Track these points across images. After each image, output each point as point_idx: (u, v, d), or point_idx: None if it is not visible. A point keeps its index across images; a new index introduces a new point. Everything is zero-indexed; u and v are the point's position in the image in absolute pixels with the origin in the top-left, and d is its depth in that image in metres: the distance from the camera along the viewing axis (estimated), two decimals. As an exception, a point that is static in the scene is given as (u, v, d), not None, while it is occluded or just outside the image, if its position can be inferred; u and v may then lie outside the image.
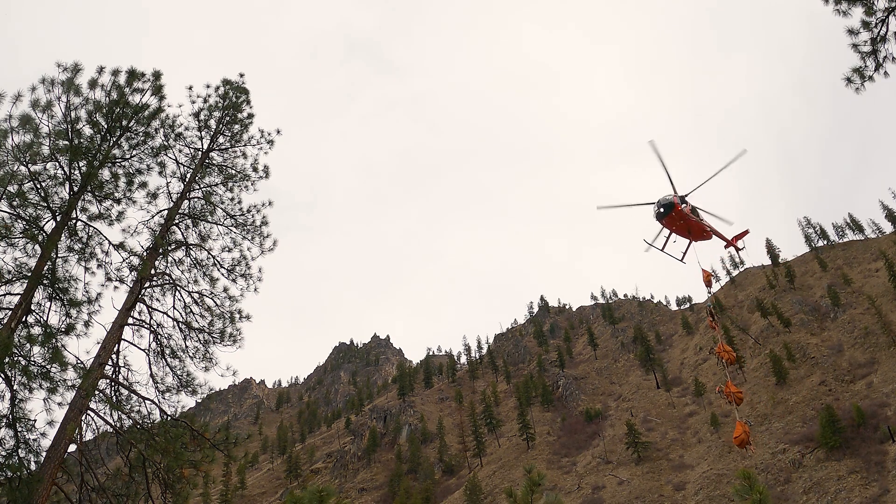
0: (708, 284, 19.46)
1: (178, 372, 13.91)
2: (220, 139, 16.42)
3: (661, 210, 20.36)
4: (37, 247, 11.89)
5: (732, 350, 17.97)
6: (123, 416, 12.69)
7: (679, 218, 20.53)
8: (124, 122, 13.59)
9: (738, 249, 24.77)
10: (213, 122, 16.27)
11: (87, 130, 13.08)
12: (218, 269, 15.33)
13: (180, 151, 15.58)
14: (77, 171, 12.57)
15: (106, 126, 13.31)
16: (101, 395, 12.43)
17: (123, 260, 13.50)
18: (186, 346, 14.23)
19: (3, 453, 10.61)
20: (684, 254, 22.41)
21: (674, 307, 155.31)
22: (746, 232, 24.91)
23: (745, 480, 7.37)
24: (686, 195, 21.13)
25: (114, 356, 12.88)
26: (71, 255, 12.54)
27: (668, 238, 21.75)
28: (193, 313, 14.60)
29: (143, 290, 13.80)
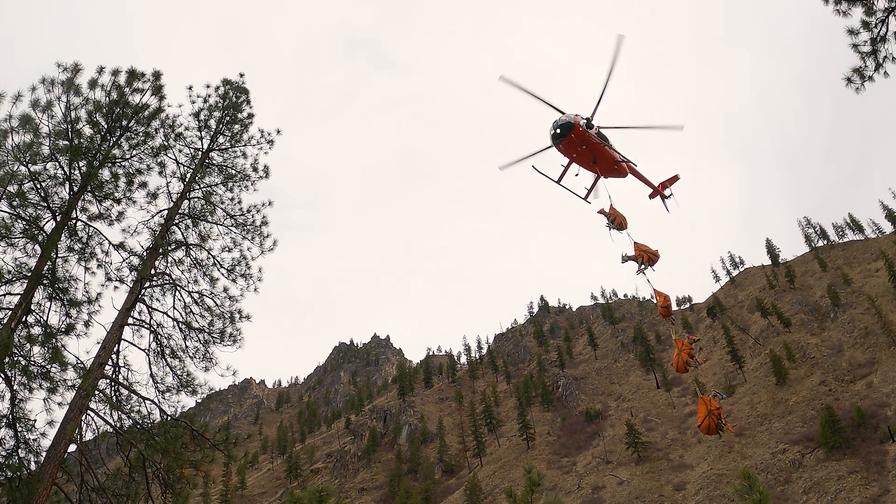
0: (619, 226, 16.28)
1: (178, 372, 13.93)
2: (221, 139, 16.43)
3: (558, 131, 16.53)
4: (37, 247, 11.89)
5: (651, 249, 15.51)
6: (123, 416, 12.70)
7: (580, 141, 16.67)
8: (124, 122, 13.59)
9: (664, 198, 21.27)
10: (213, 122, 16.29)
11: (87, 130, 13.10)
12: (218, 269, 15.34)
13: (180, 151, 15.60)
14: (77, 171, 12.58)
15: (106, 126, 13.31)
16: (101, 395, 12.44)
17: (123, 260, 13.51)
18: (186, 346, 14.25)
19: (3, 453, 10.62)
20: (589, 191, 18.52)
21: (674, 307, 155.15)
22: (676, 178, 21.48)
23: (745, 480, 7.38)
24: (601, 128, 17.52)
25: (114, 356, 12.89)
26: (71, 255, 12.55)
27: (566, 168, 17.90)
28: (193, 313, 14.62)
29: (143, 290, 13.81)
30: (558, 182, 18.07)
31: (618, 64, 16.37)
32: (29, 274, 11.53)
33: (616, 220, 16.22)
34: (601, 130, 17.59)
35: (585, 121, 16.88)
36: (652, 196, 21.43)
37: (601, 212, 16.46)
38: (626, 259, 15.79)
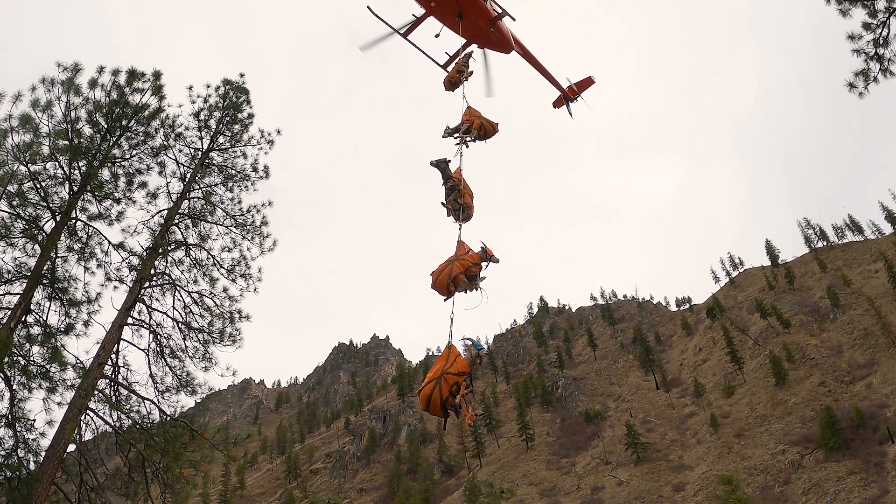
0: (480, 134, 10.61)
1: (178, 372, 13.92)
2: (221, 139, 16.43)
3: None
4: (36, 246, 11.88)
5: (490, 119, 10.85)
6: (123, 416, 12.70)
7: None
8: (124, 122, 13.59)
9: (569, 101, 17.61)
10: (213, 122, 16.29)
11: (87, 130, 13.10)
12: (218, 269, 15.34)
13: (180, 151, 15.60)
14: (77, 171, 12.58)
15: (106, 126, 13.31)
16: (100, 394, 12.43)
17: (123, 260, 13.50)
18: (186, 346, 14.24)
19: (3, 453, 10.60)
20: (452, 57, 14.07)
21: (673, 308, 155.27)
22: (591, 80, 17.66)
23: (727, 485, 7.12)
24: None
25: (113, 356, 12.88)
26: (71, 254, 12.54)
27: (420, 19, 13.73)
28: (193, 313, 14.62)
29: (143, 290, 13.80)
30: (405, 36, 13.81)
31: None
32: (28, 274, 11.52)
33: (475, 124, 10.59)
34: None
35: None
36: (557, 104, 17.70)
37: (465, 121, 10.66)
38: (448, 133, 10.76)
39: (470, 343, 7.74)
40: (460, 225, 8.94)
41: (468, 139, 10.34)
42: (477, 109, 10.97)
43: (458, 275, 7.96)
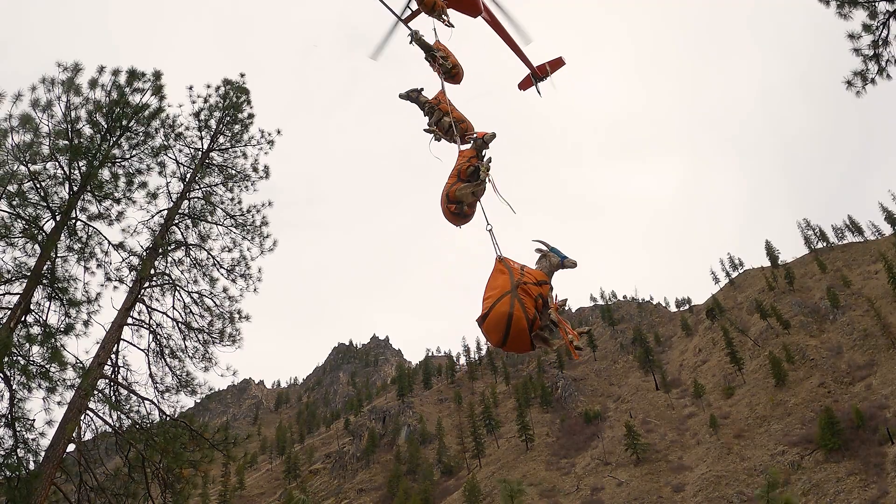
0: (453, 72, 9.89)
1: (178, 372, 13.92)
2: (221, 139, 16.43)
3: None
4: (36, 246, 11.87)
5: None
6: (122, 416, 12.69)
7: None
8: (124, 122, 13.58)
9: (539, 80, 17.05)
10: (213, 122, 16.29)
11: (87, 130, 13.09)
12: (218, 270, 15.33)
13: (180, 151, 15.60)
14: (77, 171, 12.56)
15: (106, 126, 13.30)
16: (100, 394, 12.43)
17: (123, 260, 13.49)
18: (186, 346, 14.24)
19: (3, 453, 10.59)
20: (416, 13, 12.83)
21: (673, 308, 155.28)
22: (561, 62, 17.10)
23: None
24: None
25: (113, 356, 12.87)
26: (70, 254, 12.53)
27: None
28: (193, 313, 14.61)
29: (143, 290, 13.79)
30: None
31: None
32: (28, 273, 11.52)
33: (450, 59, 9.83)
34: None
35: None
36: (525, 85, 17.14)
37: (442, 51, 10.00)
38: (417, 39, 9.96)
39: (546, 249, 5.72)
40: (459, 145, 7.75)
41: (439, 63, 9.52)
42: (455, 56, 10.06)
43: (453, 185, 6.83)
